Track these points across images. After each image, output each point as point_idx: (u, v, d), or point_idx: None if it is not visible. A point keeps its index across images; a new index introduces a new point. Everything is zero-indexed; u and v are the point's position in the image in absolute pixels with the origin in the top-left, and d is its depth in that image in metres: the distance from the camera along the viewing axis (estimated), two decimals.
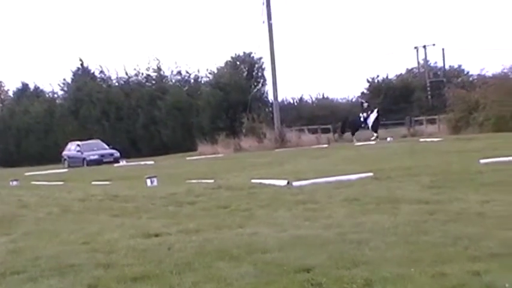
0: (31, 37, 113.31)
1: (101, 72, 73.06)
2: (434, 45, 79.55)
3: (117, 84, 72.66)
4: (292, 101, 74.21)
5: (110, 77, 73.03)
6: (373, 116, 49.68)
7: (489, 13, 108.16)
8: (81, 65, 73.18)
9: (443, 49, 79.86)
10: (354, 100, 77.53)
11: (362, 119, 50.41)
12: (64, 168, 50.65)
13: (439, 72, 78.52)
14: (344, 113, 69.83)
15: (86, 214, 15.77)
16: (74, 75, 73.14)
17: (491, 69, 68.69)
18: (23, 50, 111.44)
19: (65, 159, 55.97)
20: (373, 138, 48.04)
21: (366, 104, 51.10)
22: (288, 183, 18.48)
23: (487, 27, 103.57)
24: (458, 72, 77.56)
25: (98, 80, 72.72)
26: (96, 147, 55.88)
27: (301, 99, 75.55)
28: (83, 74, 72.69)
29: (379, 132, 50.62)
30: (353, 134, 51.26)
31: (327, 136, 58.26)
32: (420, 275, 7.28)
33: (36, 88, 74.68)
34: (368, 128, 50.29)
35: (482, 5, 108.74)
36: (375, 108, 50.65)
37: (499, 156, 20.63)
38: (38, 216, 15.94)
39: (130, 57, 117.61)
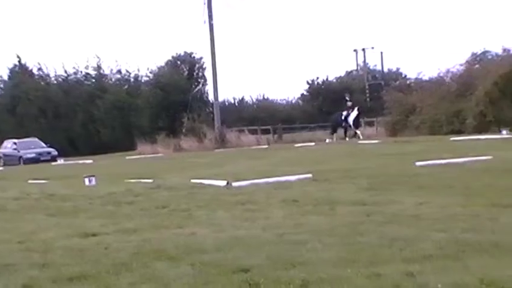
0: None
1: (39, 69, 72.50)
2: (373, 48, 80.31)
3: (55, 82, 72.14)
4: (233, 102, 74.34)
5: (48, 75, 72.51)
6: (353, 114, 48.88)
7: (427, 18, 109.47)
8: (19, 62, 72.41)
9: (381, 52, 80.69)
10: (293, 102, 78.06)
11: (343, 117, 49.56)
12: (0, 166, 50.03)
13: (377, 75, 79.30)
14: (283, 115, 70.24)
15: (21, 213, 15.60)
16: (10, 72, 72.36)
17: (428, 73, 69.46)
18: None
19: (0, 157, 55.30)
20: (357, 135, 47.68)
21: (349, 103, 49.99)
22: (227, 183, 18.49)
23: (424, 31, 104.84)
24: (396, 75, 78.46)
25: (36, 77, 72.04)
26: (33, 146, 55.29)
27: (242, 100, 75.76)
28: (20, 71, 71.92)
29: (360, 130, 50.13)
30: (333, 133, 50.88)
31: (266, 137, 58.47)
32: (356, 275, 7.34)
33: None
34: (349, 125, 49.36)
35: (421, 9, 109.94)
36: (356, 106, 49.88)
37: (434, 159, 20.88)
38: None
39: (69, 55, 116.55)
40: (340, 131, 50.61)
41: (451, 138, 34.28)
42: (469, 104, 45.38)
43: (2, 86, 72.72)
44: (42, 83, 71.74)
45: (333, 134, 50.67)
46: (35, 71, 72.39)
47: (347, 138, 48.39)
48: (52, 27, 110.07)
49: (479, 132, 38.23)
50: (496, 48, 50.28)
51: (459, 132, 40.95)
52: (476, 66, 50.03)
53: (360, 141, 41.83)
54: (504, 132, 35.51)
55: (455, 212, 11.63)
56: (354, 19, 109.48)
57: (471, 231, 9.69)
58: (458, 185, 15.40)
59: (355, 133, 48.50)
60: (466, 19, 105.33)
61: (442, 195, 13.84)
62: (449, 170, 18.43)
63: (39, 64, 72.36)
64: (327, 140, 49.40)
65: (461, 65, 50.90)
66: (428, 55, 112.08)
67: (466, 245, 8.62)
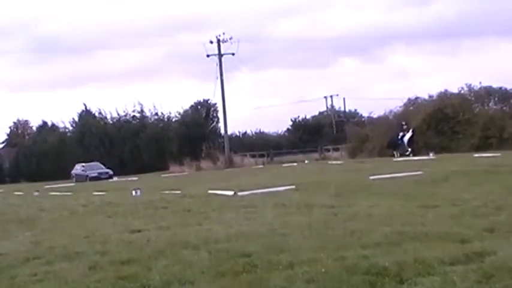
0: (48, 85, 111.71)
1: (99, 113, 72.60)
2: (338, 95, 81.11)
3: (111, 121, 72.24)
4: (238, 134, 74.37)
5: (106, 117, 72.60)
6: (408, 135, 43.10)
7: (375, 74, 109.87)
8: (85, 107, 72.77)
9: (344, 98, 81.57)
10: (281, 133, 78.05)
11: (399, 137, 43.73)
12: (72, 182, 49.93)
13: (341, 114, 79.43)
14: (274, 143, 70.24)
15: (87, 216, 15.61)
16: (79, 115, 72.56)
17: (377, 112, 69.55)
18: (43, 96, 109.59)
19: (73, 176, 55.15)
20: (407, 153, 41.78)
21: (405, 126, 43.73)
22: (234, 193, 18.44)
23: (374, 83, 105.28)
24: (355, 114, 78.53)
25: (97, 118, 72.18)
26: (96, 167, 55.23)
27: (245, 133, 75.79)
28: (86, 115, 72.15)
29: (411, 149, 42.88)
30: (394, 150, 44.11)
31: (262, 159, 58.49)
32: (327, 258, 7.31)
33: (53, 124, 73.90)
34: (404, 144, 43.20)
35: (370, 69, 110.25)
36: (411, 128, 43.48)
37: (382, 174, 20.86)
38: (53, 217, 15.74)
39: (121, 101, 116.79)
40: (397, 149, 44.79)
41: (394, 159, 34.24)
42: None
43: (74, 125, 72.79)
44: (102, 122, 71.77)
45: (394, 151, 43.70)
46: (96, 114, 72.55)
47: (397, 154, 42.58)
48: (109, 81, 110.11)
49: (414, 155, 38.24)
50: (424, 95, 50.57)
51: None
52: (411, 107, 50.18)
53: (410, 158, 36.35)
54: (431, 154, 35.49)
55: (397, 211, 11.61)
56: (324, 75, 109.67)
57: (408, 225, 9.68)
58: (399, 192, 15.38)
59: (407, 151, 42.37)
60: (404, 73, 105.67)
61: (388, 200, 13.82)
62: (393, 182, 18.40)
63: (99, 109, 72.69)
64: (306, 161, 49.05)
65: (400, 106, 51.07)
66: (377, 100, 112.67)
67: (405, 235, 8.61)
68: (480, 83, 48.44)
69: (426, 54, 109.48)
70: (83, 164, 55.93)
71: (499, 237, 8.19)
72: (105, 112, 72.69)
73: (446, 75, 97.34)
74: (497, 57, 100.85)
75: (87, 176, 52.75)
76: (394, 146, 44.28)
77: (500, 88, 50.84)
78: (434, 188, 15.92)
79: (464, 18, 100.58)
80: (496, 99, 48.26)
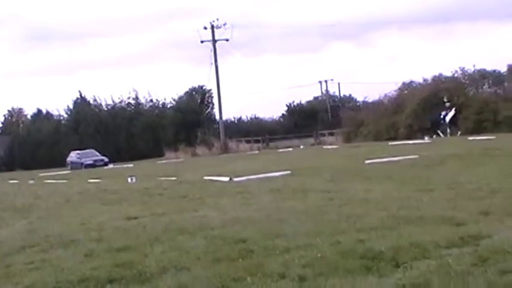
0: (43, 72, 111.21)
1: (94, 100, 72.22)
2: (332, 80, 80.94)
3: (106, 109, 71.99)
4: (233, 120, 74.27)
5: (100, 104, 72.24)
6: (451, 114, 40.85)
7: (370, 58, 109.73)
8: (80, 95, 72.49)
9: (339, 83, 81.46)
10: (276, 119, 77.97)
11: (442, 116, 41.32)
12: (68, 170, 49.85)
13: (336, 99, 79.37)
14: (269, 128, 70.20)
15: (83, 203, 15.59)
16: (74, 103, 72.30)
17: (372, 97, 69.64)
18: (37, 83, 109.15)
19: (68, 164, 55.01)
20: (448, 131, 40.00)
21: (447, 104, 41.12)
22: (230, 179, 18.47)
23: (369, 68, 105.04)
24: (349, 99, 78.51)
25: (92, 106, 71.93)
26: (91, 155, 55.07)
27: (240, 118, 75.70)
28: (81, 102, 71.92)
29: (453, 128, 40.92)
30: (437, 129, 41.30)
31: (257, 145, 58.45)
32: (323, 243, 7.31)
33: (47, 112, 73.67)
34: (446, 123, 41.08)
35: (365, 53, 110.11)
36: (454, 107, 41.05)
37: (378, 158, 20.92)
38: (48, 205, 15.72)
39: (115, 88, 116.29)
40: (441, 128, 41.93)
41: (389, 143, 34.34)
42: (401, 118, 45.47)
43: (68, 113, 72.58)
44: (96, 110, 71.56)
45: (435, 131, 41.05)
46: (91, 101, 72.30)
47: (446, 135, 39.78)
48: (104, 68, 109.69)
49: (409, 139, 38.28)
50: (419, 79, 50.52)
51: (394, 139, 40.96)
52: (405, 91, 50.20)
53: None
54: (426, 138, 35.55)
55: (393, 195, 11.64)
56: (319, 58, 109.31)
57: (404, 209, 9.71)
58: (395, 176, 15.43)
59: (447, 130, 40.33)
60: (398, 58, 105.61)
61: (383, 184, 13.86)
62: (388, 166, 18.46)
63: (94, 96, 72.36)
64: (301, 146, 49.00)
65: (395, 91, 51.11)
66: (371, 84, 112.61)
67: (400, 219, 8.63)
68: (474, 66, 48.55)
69: (419, 38, 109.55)
70: (78, 151, 55.79)
71: (494, 220, 8.22)
72: (100, 99, 72.47)
73: (440, 59, 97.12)
74: (491, 40, 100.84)
75: (82, 163, 52.61)
76: (436, 125, 41.78)
77: (494, 71, 50.95)
78: (429, 171, 15.96)
79: (456, 3, 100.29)
80: (490, 82, 48.36)
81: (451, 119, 40.74)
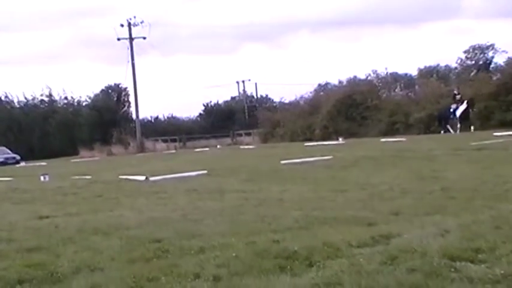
0: None
1: (6, 97, 70.14)
2: (250, 80, 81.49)
3: (18, 106, 69.96)
4: (150, 119, 73.64)
5: (12, 101, 70.17)
6: (462, 108, 35.67)
7: (287, 60, 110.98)
8: None
9: (256, 83, 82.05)
10: (194, 118, 77.74)
11: (451, 110, 36.28)
12: None
13: (253, 100, 79.88)
14: (186, 128, 69.89)
15: None
16: None
17: (288, 98, 70.49)
18: None
19: None
20: (459, 126, 35.22)
21: (458, 96, 36.21)
22: (146, 178, 18.25)
23: (285, 69, 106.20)
24: (266, 100, 79.19)
25: (3, 103, 69.74)
26: (2, 153, 53.35)
27: (156, 117, 75.15)
28: None
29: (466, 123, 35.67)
30: (446, 125, 36.69)
31: (174, 144, 58.15)
32: (238, 243, 7.34)
33: None
34: (456, 118, 35.98)
35: (282, 54, 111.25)
36: (465, 100, 35.97)
37: (293, 159, 21.12)
38: None
39: (28, 85, 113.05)
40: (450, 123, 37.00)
41: (305, 144, 34.78)
42: (316, 120, 46.31)
43: None
44: (8, 107, 69.50)
45: (445, 127, 36.67)
46: (2, 98, 70.12)
47: (457, 132, 34.95)
48: (15, 64, 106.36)
49: (324, 140, 38.95)
50: (334, 81, 51.60)
51: (310, 140, 41.61)
52: (321, 93, 51.15)
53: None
54: (340, 139, 36.21)
55: (307, 196, 11.80)
56: (237, 59, 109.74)
57: (318, 209, 9.85)
58: (310, 176, 15.63)
59: (457, 127, 35.59)
60: (312, 60, 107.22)
61: (298, 184, 14.01)
62: (304, 166, 18.67)
63: (5, 93, 70.28)
64: (218, 146, 49.06)
65: (311, 92, 52.10)
66: (287, 85, 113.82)
67: (314, 219, 8.76)
68: (386, 69, 49.99)
69: (332, 40, 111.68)
70: None
71: (404, 220, 8.47)
72: (11, 96, 70.36)
73: (354, 61, 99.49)
74: (400, 45, 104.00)
75: None
76: (445, 120, 37.11)
77: (406, 74, 52.58)
78: (343, 172, 16.26)
79: (365, 7, 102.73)
80: (402, 85, 49.91)
81: (462, 114, 35.76)
